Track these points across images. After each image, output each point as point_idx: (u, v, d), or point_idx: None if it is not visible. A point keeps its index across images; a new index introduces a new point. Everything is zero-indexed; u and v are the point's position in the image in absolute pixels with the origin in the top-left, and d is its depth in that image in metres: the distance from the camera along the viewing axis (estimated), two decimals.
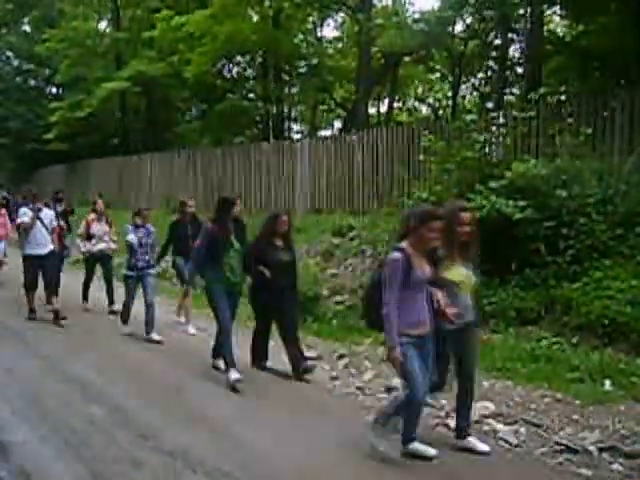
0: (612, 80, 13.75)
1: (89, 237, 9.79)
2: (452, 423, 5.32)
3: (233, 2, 18.80)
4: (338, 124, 27.31)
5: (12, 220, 12.00)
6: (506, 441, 4.98)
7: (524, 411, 5.49)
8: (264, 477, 4.41)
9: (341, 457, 4.71)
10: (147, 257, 8.32)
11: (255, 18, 21.13)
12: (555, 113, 10.39)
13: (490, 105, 19.70)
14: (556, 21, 19.61)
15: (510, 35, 18.20)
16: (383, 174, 13.16)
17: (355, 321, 8.43)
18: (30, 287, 9.23)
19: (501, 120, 11.03)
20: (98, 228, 9.82)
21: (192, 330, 8.63)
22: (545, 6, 15.61)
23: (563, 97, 12.83)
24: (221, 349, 6.58)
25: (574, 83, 16.55)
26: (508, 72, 19.28)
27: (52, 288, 9.27)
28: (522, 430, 5.16)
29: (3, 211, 12.15)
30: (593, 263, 7.52)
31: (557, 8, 17.35)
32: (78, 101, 23.12)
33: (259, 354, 6.98)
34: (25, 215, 9.14)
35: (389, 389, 6.18)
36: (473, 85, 23.87)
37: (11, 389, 6.11)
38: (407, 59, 20.85)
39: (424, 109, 29.45)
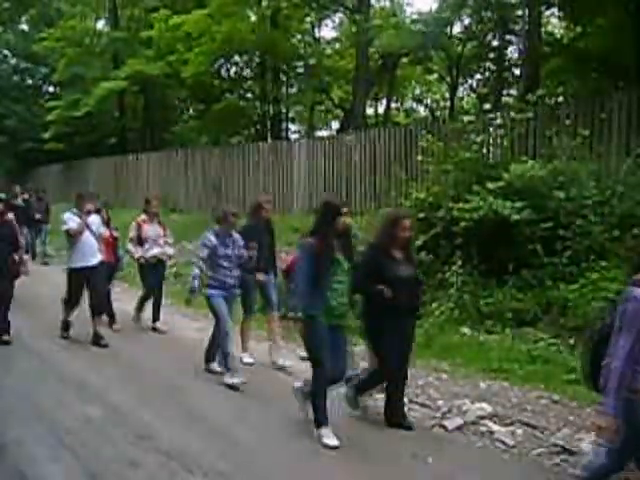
0: (610, 82, 13.78)
1: (141, 241, 8.63)
2: (448, 423, 5.33)
3: (231, 2, 18.77)
4: (336, 124, 27.28)
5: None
6: (502, 442, 4.99)
7: (520, 412, 5.50)
8: (261, 477, 4.40)
9: (338, 457, 4.71)
10: (235, 273, 6.65)
11: (253, 18, 21.10)
12: (553, 115, 10.39)
13: (488, 106, 19.63)
14: (554, 23, 19.65)
15: (508, 36, 18.21)
16: (381, 175, 13.15)
17: (352, 321, 8.40)
18: (74, 304, 8.05)
19: (499, 121, 11.03)
20: (151, 230, 8.68)
21: (248, 359, 7.31)
22: (543, 8, 15.62)
23: (561, 99, 12.87)
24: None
25: (572, 85, 16.59)
26: (506, 73, 19.31)
27: (98, 305, 8.04)
28: (519, 431, 5.16)
29: (10, 216, 10.60)
30: (590, 264, 7.53)
31: (555, 10, 17.39)
32: (75, 100, 23.05)
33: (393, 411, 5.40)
34: (71, 221, 7.83)
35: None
36: (471, 86, 23.86)
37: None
38: (405, 60, 20.83)
39: (422, 110, 29.48)
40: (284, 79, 23.60)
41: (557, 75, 16.94)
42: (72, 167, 24.49)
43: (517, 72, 18.79)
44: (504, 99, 19.22)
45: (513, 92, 19.71)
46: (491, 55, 19.50)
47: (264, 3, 20.14)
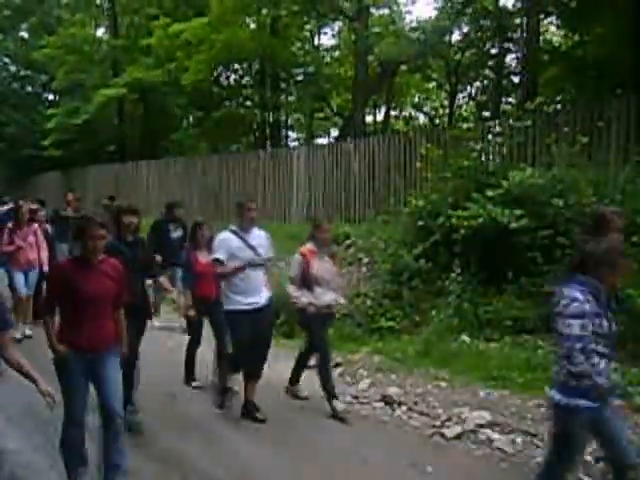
0: (608, 89, 13.80)
1: (307, 283, 5.96)
2: (447, 432, 5.32)
3: (230, 10, 18.82)
4: (335, 132, 27.31)
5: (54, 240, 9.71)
6: (502, 450, 4.98)
7: (520, 420, 5.49)
8: None
9: (337, 464, 4.69)
10: None
11: (252, 26, 21.19)
12: (551, 122, 10.41)
13: (486, 114, 19.76)
14: (552, 31, 19.71)
15: (506, 44, 18.27)
16: (380, 182, 13.16)
17: (351, 330, 8.41)
18: (238, 360, 5.71)
19: (497, 129, 11.05)
20: (322, 269, 6.02)
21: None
22: (541, 16, 15.68)
23: (559, 106, 12.89)
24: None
25: (570, 92, 16.64)
26: (504, 81, 19.35)
27: (261, 361, 5.81)
28: (518, 440, 5.15)
29: (35, 226, 9.04)
30: None
31: (553, 18, 17.47)
32: (75, 108, 23.08)
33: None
34: (222, 248, 5.54)
35: (384, 397, 6.16)
36: (469, 94, 23.93)
37: None
38: (404, 67, 20.88)
39: (421, 117, 29.51)
40: (283, 87, 23.65)
41: (555, 83, 17.01)
42: (71, 174, 24.48)
43: (516, 80, 18.84)
44: (503, 107, 19.27)
45: (512, 100, 19.77)
46: (490, 63, 19.56)
47: (264, 11, 20.20)
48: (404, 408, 5.71)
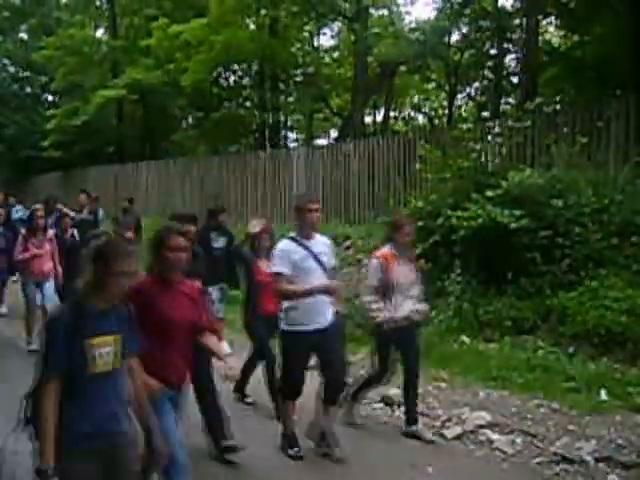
0: (607, 90, 13.81)
1: (386, 291, 5.21)
2: (447, 432, 5.32)
3: (230, 11, 18.81)
4: (334, 133, 27.29)
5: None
6: (502, 451, 4.97)
7: (520, 421, 5.49)
8: None
9: (337, 466, 4.68)
10: None
11: (252, 27, 21.19)
12: (550, 123, 10.42)
13: (486, 114, 19.75)
14: (551, 31, 19.70)
15: (506, 45, 18.25)
16: (379, 183, 13.16)
17: (351, 330, 8.40)
18: (295, 391, 4.94)
19: (497, 129, 11.06)
20: (402, 275, 5.28)
21: None
22: (540, 17, 15.68)
23: (558, 107, 12.88)
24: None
25: (569, 93, 16.63)
26: (504, 82, 19.34)
27: (338, 388, 5.00)
28: (518, 440, 5.15)
29: (51, 233, 8.29)
30: (589, 272, 7.53)
31: (552, 19, 17.46)
32: (74, 108, 23.09)
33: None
34: (283, 260, 4.77)
35: (384, 398, 6.16)
36: (469, 94, 23.92)
37: None
38: (403, 68, 20.88)
39: (420, 118, 29.51)
40: (283, 87, 23.63)
41: (555, 83, 17.00)
42: (71, 175, 24.47)
43: (515, 80, 18.82)
44: (502, 107, 19.26)
45: (511, 100, 19.76)
46: (489, 63, 19.54)
47: (263, 12, 20.20)
48: (404, 409, 5.70)
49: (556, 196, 8.02)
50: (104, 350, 2.79)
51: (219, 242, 7.80)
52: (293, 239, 4.82)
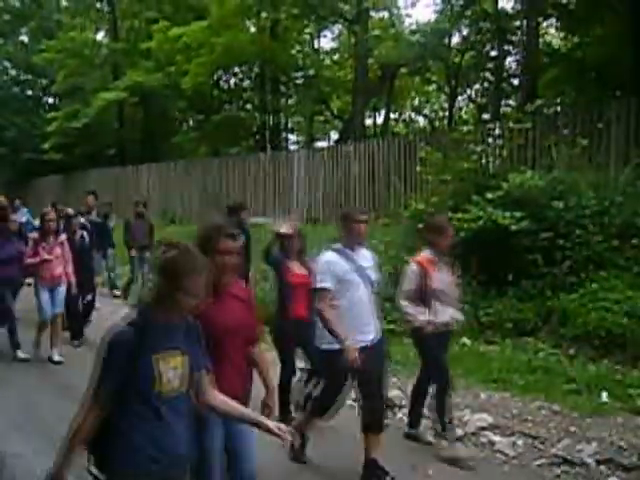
0: (608, 91, 13.82)
1: (425, 298, 4.94)
2: (449, 435, 5.29)
3: (230, 14, 18.86)
4: (335, 135, 27.35)
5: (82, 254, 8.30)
6: (503, 453, 4.96)
7: (521, 423, 5.47)
8: None
9: (337, 468, 4.67)
10: None
11: (252, 29, 21.24)
12: (551, 124, 10.43)
13: (486, 116, 19.78)
14: (552, 33, 19.72)
15: (506, 47, 18.30)
16: (379, 185, 13.17)
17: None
18: (327, 410, 4.80)
19: (497, 131, 11.08)
20: (442, 281, 5.02)
21: None
22: (541, 18, 15.70)
23: (559, 108, 12.90)
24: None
25: (570, 95, 16.65)
26: (504, 84, 19.37)
27: (380, 407, 4.60)
28: (519, 442, 5.14)
29: (63, 237, 7.99)
30: (590, 274, 7.52)
31: (553, 20, 17.48)
32: (75, 111, 23.12)
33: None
34: (326, 274, 4.45)
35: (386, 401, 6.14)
36: (469, 96, 23.97)
37: None
38: (404, 70, 20.91)
39: (421, 120, 29.55)
40: (283, 90, 23.70)
41: (555, 85, 17.02)
42: (72, 178, 24.50)
43: (515, 82, 18.87)
44: (503, 109, 19.28)
45: (512, 102, 19.78)
46: (489, 65, 19.59)
47: (263, 14, 20.25)
48: (405, 411, 5.68)
49: (557, 198, 8.02)
50: (171, 367, 2.59)
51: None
52: (338, 251, 4.51)
